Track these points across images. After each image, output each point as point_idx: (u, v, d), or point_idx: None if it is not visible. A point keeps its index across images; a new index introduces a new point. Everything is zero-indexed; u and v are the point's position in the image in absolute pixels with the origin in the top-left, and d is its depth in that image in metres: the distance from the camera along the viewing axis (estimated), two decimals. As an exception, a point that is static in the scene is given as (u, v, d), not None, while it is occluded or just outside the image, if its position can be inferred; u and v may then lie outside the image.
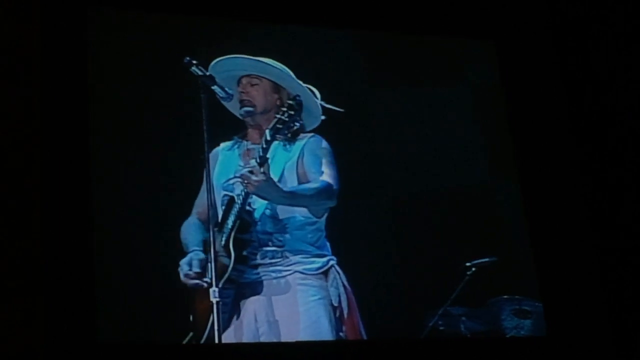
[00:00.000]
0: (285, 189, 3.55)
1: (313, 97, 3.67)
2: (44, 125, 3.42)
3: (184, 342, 3.43)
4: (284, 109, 3.52)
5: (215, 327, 3.33)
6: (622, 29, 4.20)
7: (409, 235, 3.84)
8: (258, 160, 3.47)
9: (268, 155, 3.52)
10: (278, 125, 3.51)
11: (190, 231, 3.56)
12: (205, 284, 3.44)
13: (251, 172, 3.45)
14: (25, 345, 3.22)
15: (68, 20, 3.58)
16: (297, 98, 3.54)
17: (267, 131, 3.51)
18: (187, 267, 3.49)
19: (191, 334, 3.45)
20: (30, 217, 3.35)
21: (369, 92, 4.01)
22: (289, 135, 3.57)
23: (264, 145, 3.48)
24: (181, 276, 3.47)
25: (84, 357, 3.27)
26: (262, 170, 3.44)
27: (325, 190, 3.60)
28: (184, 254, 3.53)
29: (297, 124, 3.54)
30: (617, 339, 3.89)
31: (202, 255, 3.50)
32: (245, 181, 3.46)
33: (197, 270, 3.47)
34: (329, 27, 4.01)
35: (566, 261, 3.96)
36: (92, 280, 3.35)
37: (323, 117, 3.66)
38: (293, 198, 3.58)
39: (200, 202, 3.58)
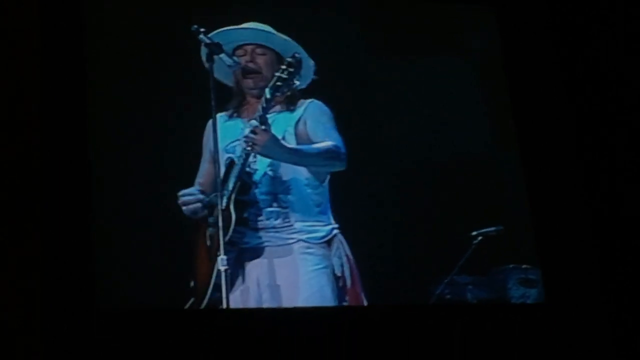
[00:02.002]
0: (290, 146, 3.54)
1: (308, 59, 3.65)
2: (42, 102, 3.43)
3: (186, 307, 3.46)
4: (284, 67, 3.51)
5: (224, 295, 3.35)
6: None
7: (411, 205, 3.82)
8: (259, 120, 3.46)
9: (269, 115, 3.51)
10: (278, 83, 3.50)
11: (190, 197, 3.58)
12: (199, 207, 3.47)
13: (254, 132, 3.45)
14: (23, 316, 3.22)
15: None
16: (297, 55, 3.54)
17: (266, 90, 3.50)
18: (187, 192, 3.51)
19: (192, 299, 3.46)
20: (30, 175, 3.35)
21: (370, 60, 3.97)
22: (289, 93, 3.55)
23: (264, 105, 3.48)
24: (182, 198, 3.48)
25: (83, 324, 3.26)
26: (263, 127, 3.44)
27: (331, 151, 3.59)
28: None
29: (297, 81, 3.53)
30: (612, 305, 3.88)
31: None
32: (250, 142, 3.46)
33: (196, 191, 3.50)
34: None
35: (565, 230, 3.95)
36: (90, 247, 3.36)
37: (314, 77, 3.63)
38: (299, 155, 3.57)
39: (202, 173, 3.59)
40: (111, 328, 3.27)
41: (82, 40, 3.59)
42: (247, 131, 3.49)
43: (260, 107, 3.48)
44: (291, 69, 3.50)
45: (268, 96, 3.48)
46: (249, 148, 3.48)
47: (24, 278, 3.25)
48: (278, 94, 3.50)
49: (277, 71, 3.53)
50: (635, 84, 4.08)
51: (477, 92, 4.11)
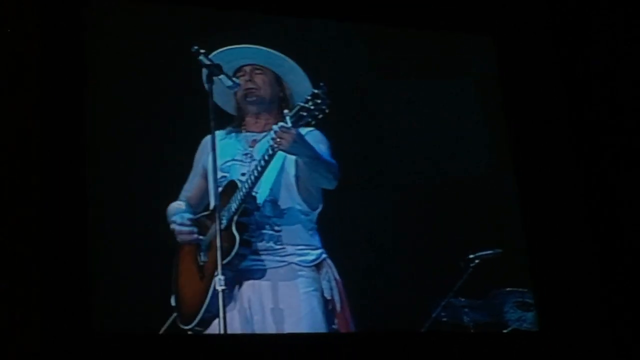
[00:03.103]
0: (311, 144, 3.57)
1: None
2: (42, 110, 3.45)
3: (168, 322, 3.48)
4: (309, 98, 3.50)
5: (220, 315, 3.36)
6: (620, 25, 4.20)
7: (409, 228, 3.85)
8: (289, 121, 3.49)
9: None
10: (302, 113, 3.50)
11: (178, 212, 3.61)
12: (194, 238, 3.54)
13: (282, 131, 3.48)
14: (22, 336, 3.20)
15: (66, 9, 3.60)
16: (323, 87, 3.51)
17: (287, 118, 3.50)
18: (179, 219, 3.57)
19: (175, 314, 3.50)
20: (28, 208, 3.35)
21: (371, 84, 4.02)
22: (313, 123, 3.54)
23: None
24: (175, 226, 3.55)
25: (80, 347, 3.27)
26: (289, 127, 3.47)
27: (334, 167, 3.64)
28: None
29: (321, 114, 3.51)
30: (612, 335, 3.92)
31: (189, 215, 3.59)
32: (279, 138, 3.48)
33: (188, 221, 3.56)
34: (334, 20, 4.04)
35: (562, 256, 3.97)
36: (87, 269, 3.37)
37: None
38: (315, 157, 3.59)
39: (190, 187, 3.65)
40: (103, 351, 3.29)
41: (82, 55, 3.60)
42: (275, 130, 3.51)
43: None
44: (318, 100, 3.47)
45: (289, 124, 3.50)
46: (276, 146, 3.50)
47: (23, 302, 3.24)
48: (301, 122, 3.50)
49: (301, 101, 3.52)
50: (635, 108, 4.09)
51: (475, 116, 4.15)
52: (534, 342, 3.83)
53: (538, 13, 4.32)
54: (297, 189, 3.66)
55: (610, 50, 4.24)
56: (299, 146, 3.53)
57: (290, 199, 3.64)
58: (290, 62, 3.72)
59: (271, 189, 3.61)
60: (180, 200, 3.65)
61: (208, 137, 3.62)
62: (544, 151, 4.12)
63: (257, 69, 3.74)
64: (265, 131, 3.68)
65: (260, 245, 3.57)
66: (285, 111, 3.55)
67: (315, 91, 3.49)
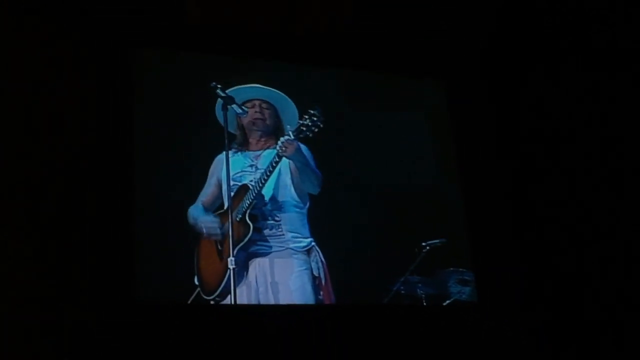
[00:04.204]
0: (305, 156, 4.01)
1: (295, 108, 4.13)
2: (98, 130, 3.89)
3: (193, 295, 3.85)
4: (306, 117, 3.94)
5: (232, 287, 3.77)
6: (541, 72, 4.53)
7: (376, 223, 4.23)
8: (292, 135, 3.97)
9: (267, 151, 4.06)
10: (302, 128, 3.94)
11: (198, 212, 4.00)
12: (218, 235, 3.92)
13: (288, 142, 3.95)
14: (66, 307, 3.52)
15: (117, 57, 4.07)
16: (317, 108, 3.94)
17: (290, 132, 3.95)
18: (209, 221, 3.93)
19: (198, 289, 3.86)
20: (84, 200, 3.72)
21: (348, 114, 4.39)
22: (310, 135, 3.96)
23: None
24: (204, 230, 3.92)
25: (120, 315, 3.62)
26: (293, 140, 3.96)
27: (318, 177, 4.05)
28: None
29: (317, 128, 3.95)
30: (527, 304, 4.29)
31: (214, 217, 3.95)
32: (285, 147, 3.93)
33: (215, 222, 3.93)
34: (319, 65, 4.48)
35: (492, 245, 4.35)
36: (132, 252, 3.77)
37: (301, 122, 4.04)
38: (307, 165, 4.03)
39: (206, 193, 4.03)
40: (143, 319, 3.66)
41: (132, 94, 4.05)
42: (282, 141, 3.96)
43: (279, 144, 3.99)
44: (314, 118, 3.92)
45: (292, 137, 3.95)
46: (281, 152, 3.94)
47: (78, 278, 3.62)
48: (301, 135, 3.94)
49: (300, 119, 3.97)
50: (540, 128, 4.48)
51: (428, 139, 4.56)
52: (470, 310, 4.20)
53: (477, 62, 4.72)
54: (293, 188, 4.06)
55: (532, 90, 4.58)
56: (298, 154, 3.97)
57: (286, 196, 4.01)
58: (287, 99, 4.14)
59: (273, 189, 3.99)
60: (198, 204, 4.00)
61: (220, 156, 4.04)
62: (479, 166, 4.50)
63: (264, 104, 4.15)
64: (263, 149, 4.12)
65: (266, 232, 3.95)
66: (288, 126, 4.00)
67: (311, 111, 3.94)
